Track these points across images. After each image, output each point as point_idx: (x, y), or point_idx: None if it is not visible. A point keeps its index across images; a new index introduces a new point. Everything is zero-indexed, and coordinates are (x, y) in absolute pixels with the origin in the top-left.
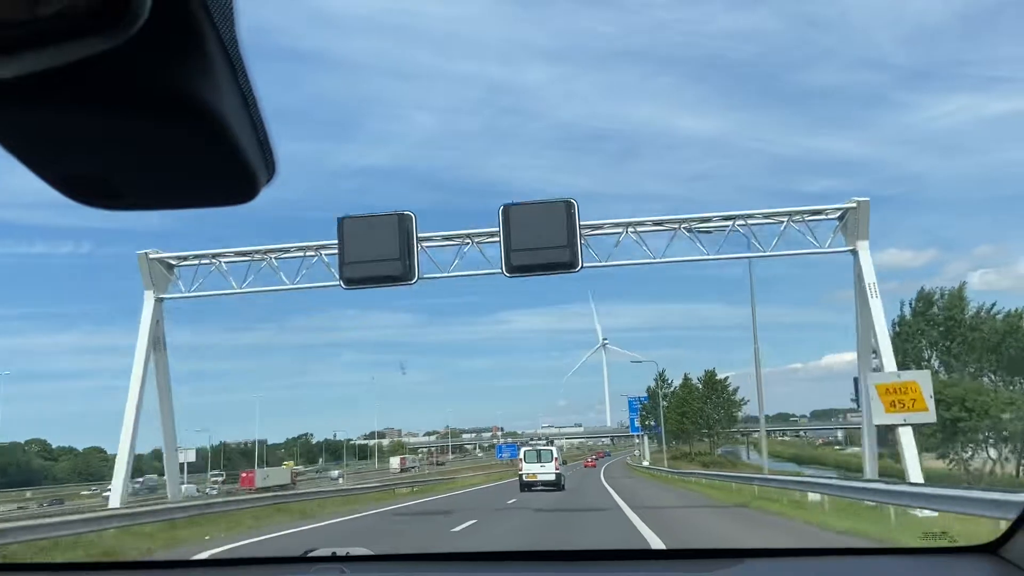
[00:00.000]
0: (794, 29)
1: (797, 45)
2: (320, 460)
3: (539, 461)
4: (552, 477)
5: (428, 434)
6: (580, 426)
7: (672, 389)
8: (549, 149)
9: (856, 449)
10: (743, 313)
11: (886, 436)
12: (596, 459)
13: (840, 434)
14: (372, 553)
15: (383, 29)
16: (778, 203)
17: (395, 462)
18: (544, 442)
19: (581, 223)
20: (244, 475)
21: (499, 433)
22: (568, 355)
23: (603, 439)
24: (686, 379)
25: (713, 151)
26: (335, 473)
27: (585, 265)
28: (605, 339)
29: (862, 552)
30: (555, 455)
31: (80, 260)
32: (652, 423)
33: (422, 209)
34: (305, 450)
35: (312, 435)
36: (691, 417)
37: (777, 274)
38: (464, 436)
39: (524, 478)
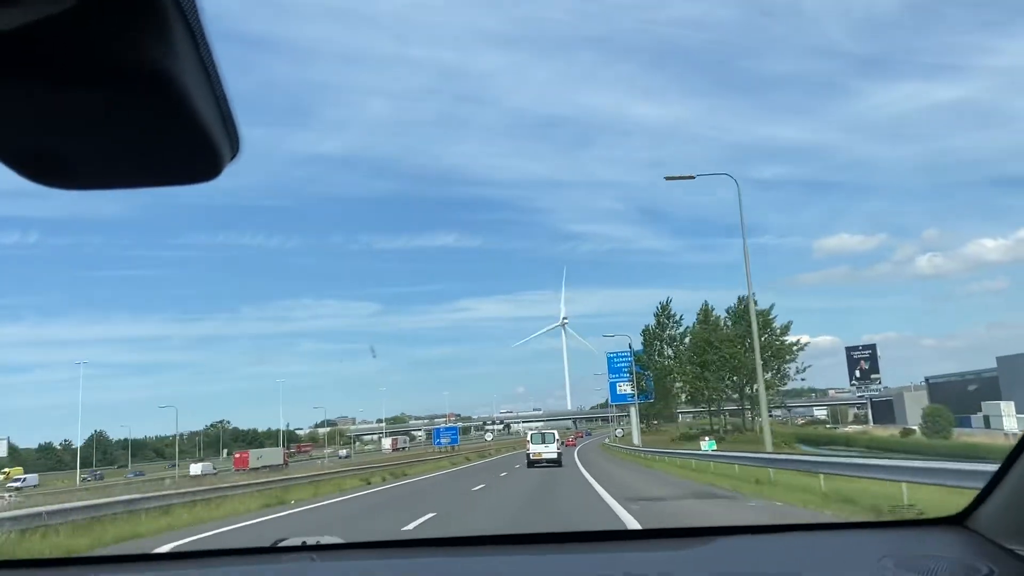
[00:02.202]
0: (747, 17)
1: (750, 33)
2: (224, 452)
3: (543, 443)
4: (554, 456)
5: (380, 421)
6: (540, 410)
7: (683, 329)
8: (503, 136)
9: (858, 427)
10: (702, 297)
11: (891, 413)
12: (576, 439)
13: (824, 411)
14: (342, 541)
15: (335, 13)
16: (730, 189)
17: (387, 443)
18: (543, 426)
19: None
20: (238, 456)
21: (453, 419)
22: (525, 342)
23: (562, 421)
24: (706, 311)
25: (668, 138)
26: (343, 452)
27: None
28: (565, 318)
29: (831, 527)
30: (556, 438)
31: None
32: (648, 384)
33: (376, 197)
34: (212, 439)
35: (229, 422)
36: (716, 369)
37: (732, 260)
38: (413, 422)
39: (531, 456)
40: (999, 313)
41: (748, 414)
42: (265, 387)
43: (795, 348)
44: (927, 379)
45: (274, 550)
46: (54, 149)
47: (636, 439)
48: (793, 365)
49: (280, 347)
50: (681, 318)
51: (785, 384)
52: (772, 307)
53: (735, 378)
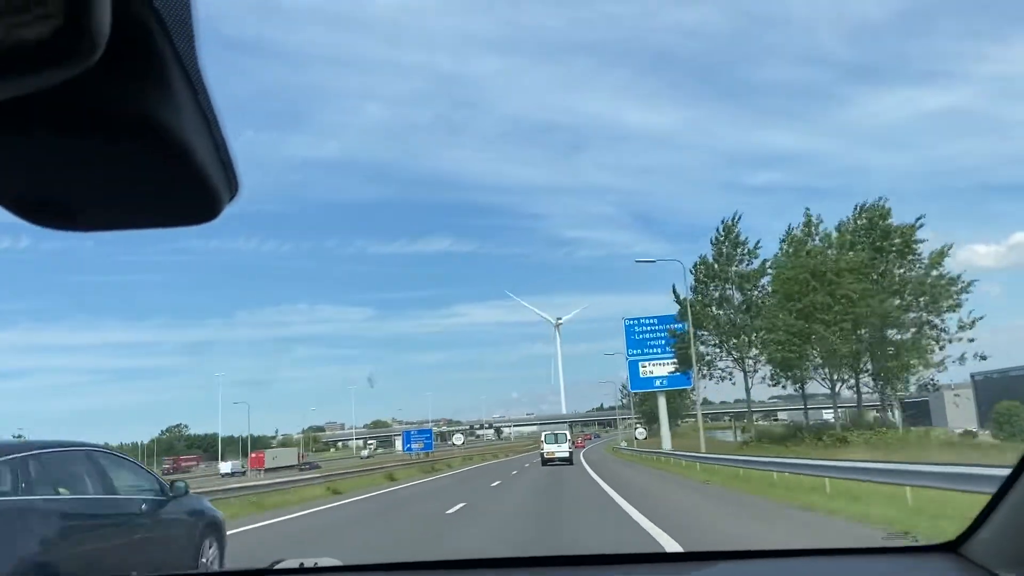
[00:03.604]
0: (740, 25)
1: (744, 41)
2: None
3: (556, 443)
4: (566, 455)
5: (367, 426)
6: (532, 414)
7: (768, 260)
8: (498, 141)
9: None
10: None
11: (925, 415)
12: (584, 440)
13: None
14: (341, 564)
15: (331, 18)
16: (723, 195)
17: (397, 443)
18: (558, 428)
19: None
20: (253, 456)
21: (444, 424)
22: (518, 348)
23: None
24: (810, 223)
25: (661, 144)
26: (365, 452)
27: None
28: (559, 318)
29: (823, 553)
30: (568, 438)
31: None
32: (699, 346)
33: (371, 202)
34: (166, 446)
35: (187, 426)
36: (830, 321)
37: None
38: (397, 427)
39: (545, 455)
40: (992, 319)
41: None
42: (259, 392)
43: (957, 288)
44: (972, 376)
45: (270, 572)
46: (56, 196)
47: (666, 443)
48: (955, 317)
49: (274, 352)
50: (759, 245)
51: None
52: (921, 219)
53: (860, 331)
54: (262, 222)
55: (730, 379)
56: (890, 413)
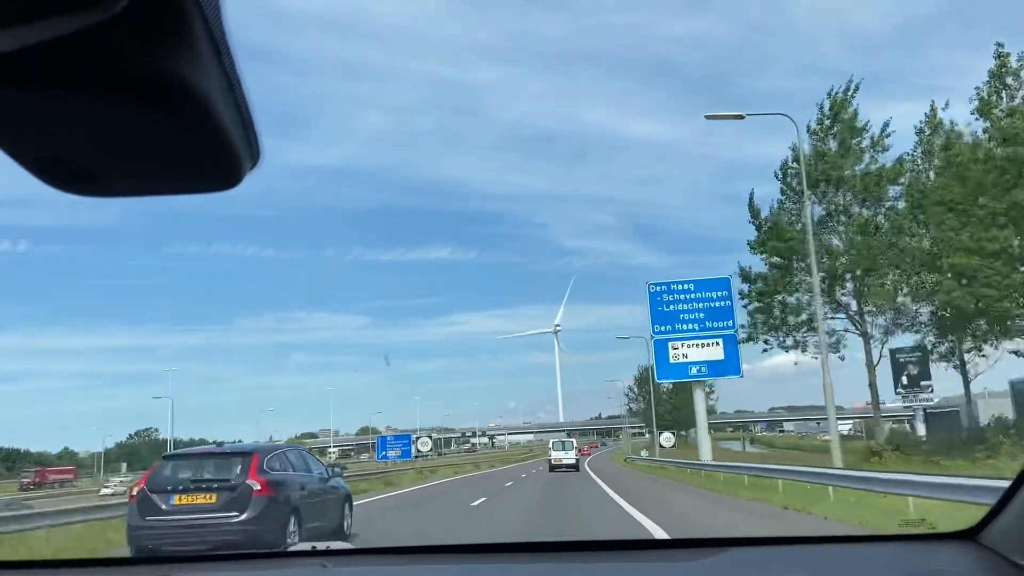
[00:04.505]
0: (742, 36)
1: (745, 51)
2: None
3: (564, 450)
4: (572, 461)
5: (358, 433)
6: (529, 422)
7: (907, 157)
8: (500, 150)
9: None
10: None
11: (955, 425)
12: (591, 448)
13: (849, 427)
14: (352, 547)
15: (333, 25)
16: (723, 207)
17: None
18: (565, 435)
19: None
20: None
21: (440, 432)
22: (517, 357)
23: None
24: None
25: (663, 155)
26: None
27: None
28: (558, 325)
29: (841, 540)
30: (575, 446)
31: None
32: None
33: (371, 209)
34: (127, 452)
35: (157, 430)
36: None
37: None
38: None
39: (552, 462)
40: None
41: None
42: (253, 399)
43: None
44: (1012, 383)
45: (284, 555)
46: (78, 157)
47: (706, 453)
48: None
49: (272, 359)
50: (889, 128)
51: None
52: None
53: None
54: (261, 228)
55: (842, 348)
56: (907, 424)
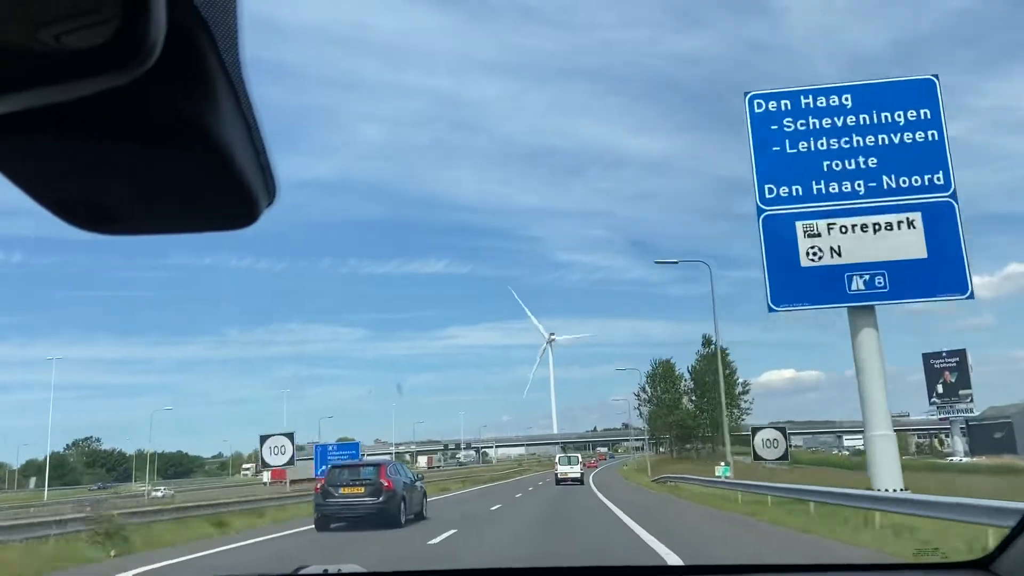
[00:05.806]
0: (739, 54)
1: (742, 69)
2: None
3: (569, 464)
4: (578, 475)
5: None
6: (521, 435)
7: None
8: (496, 164)
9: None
10: (687, 329)
11: (1008, 440)
12: (598, 461)
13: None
14: (364, 571)
15: (330, 38)
16: (715, 223)
17: (423, 461)
18: (572, 450)
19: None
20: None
21: (429, 446)
22: (510, 370)
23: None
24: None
25: (657, 171)
26: (265, 478)
27: None
28: (552, 334)
29: (856, 568)
30: (580, 460)
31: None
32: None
33: (366, 222)
34: (57, 463)
35: (99, 440)
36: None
37: (719, 293)
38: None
39: (558, 476)
40: (984, 349)
41: None
42: (244, 411)
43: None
44: None
45: None
46: (98, 199)
47: (893, 475)
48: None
49: (263, 371)
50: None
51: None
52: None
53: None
54: (255, 240)
55: None
56: (938, 441)
